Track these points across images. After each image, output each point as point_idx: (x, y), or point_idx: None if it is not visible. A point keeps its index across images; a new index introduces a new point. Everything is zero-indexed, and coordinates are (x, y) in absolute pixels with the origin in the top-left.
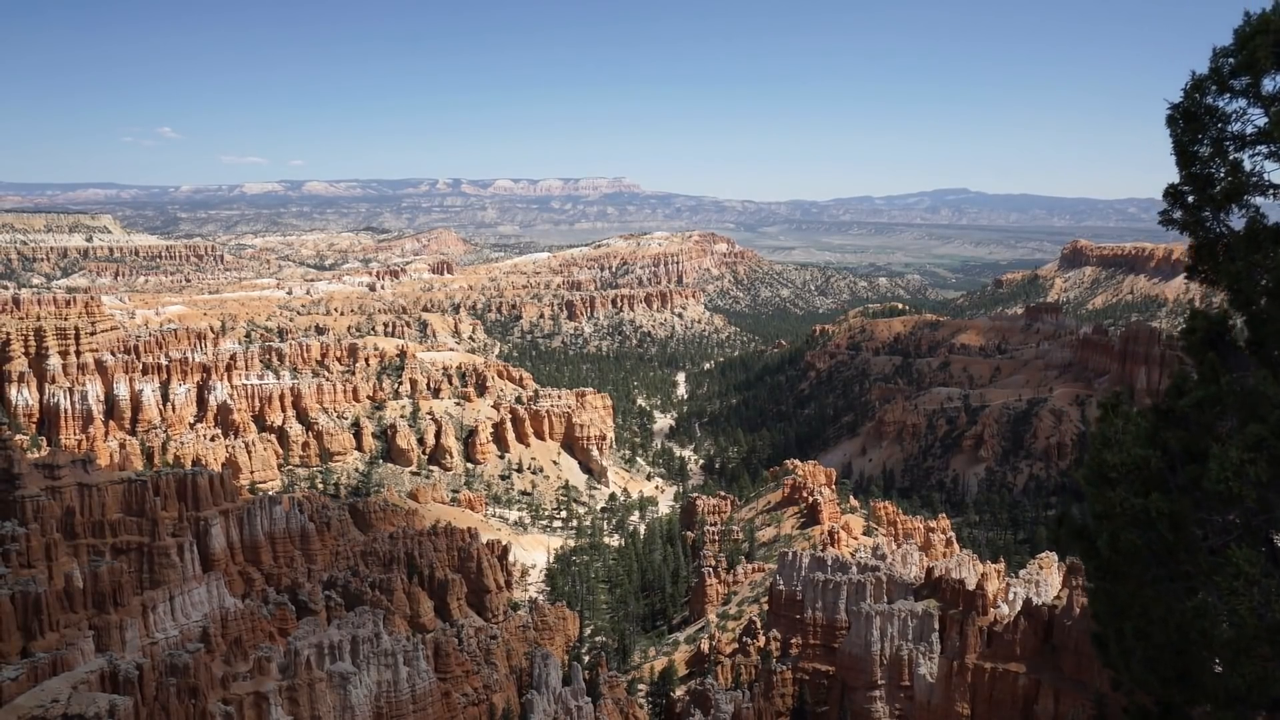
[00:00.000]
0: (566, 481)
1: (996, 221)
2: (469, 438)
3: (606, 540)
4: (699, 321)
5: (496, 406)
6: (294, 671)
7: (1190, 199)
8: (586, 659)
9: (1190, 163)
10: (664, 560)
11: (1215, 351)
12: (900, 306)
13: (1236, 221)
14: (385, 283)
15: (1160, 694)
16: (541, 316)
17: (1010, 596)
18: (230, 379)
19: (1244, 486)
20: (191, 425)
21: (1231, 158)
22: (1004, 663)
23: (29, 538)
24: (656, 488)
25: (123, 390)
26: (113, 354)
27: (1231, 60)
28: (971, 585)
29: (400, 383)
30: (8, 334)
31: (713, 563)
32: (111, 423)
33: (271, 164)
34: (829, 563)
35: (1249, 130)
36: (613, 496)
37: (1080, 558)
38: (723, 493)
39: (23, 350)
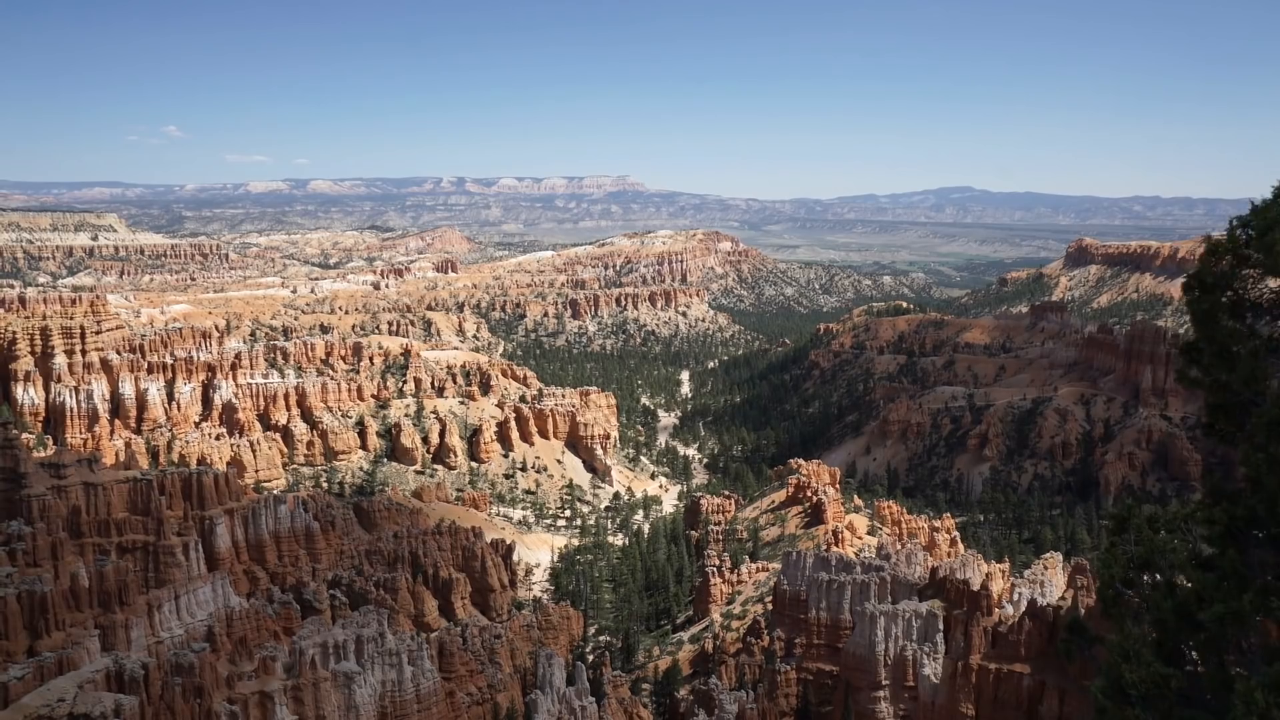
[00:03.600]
0: (570, 480)
1: (1001, 219)
2: (473, 437)
3: (610, 539)
4: (703, 320)
5: (501, 405)
6: (299, 671)
7: (1206, 360)
8: (590, 658)
9: (1207, 326)
10: (668, 559)
11: (1237, 547)
12: (904, 305)
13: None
14: (389, 281)
15: None
16: (545, 315)
17: (1015, 597)
18: (235, 378)
19: None
20: (196, 424)
21: (1249, 326)
22: (1009, 663)
23: (35, 537)
24: (660, 486)
25: (128, 389)
26: (118, 353)
27: (1250, 230)
28: (976, 585)
29: (405, 381)
30: (14, 333)
31: (717, 562)
32: (117, 421)
33: (276, 162)
34: (833, 562)
35: (1266, 298)
36: (617, 495)
37: None
38: (727, 492)
39: (29, 349)
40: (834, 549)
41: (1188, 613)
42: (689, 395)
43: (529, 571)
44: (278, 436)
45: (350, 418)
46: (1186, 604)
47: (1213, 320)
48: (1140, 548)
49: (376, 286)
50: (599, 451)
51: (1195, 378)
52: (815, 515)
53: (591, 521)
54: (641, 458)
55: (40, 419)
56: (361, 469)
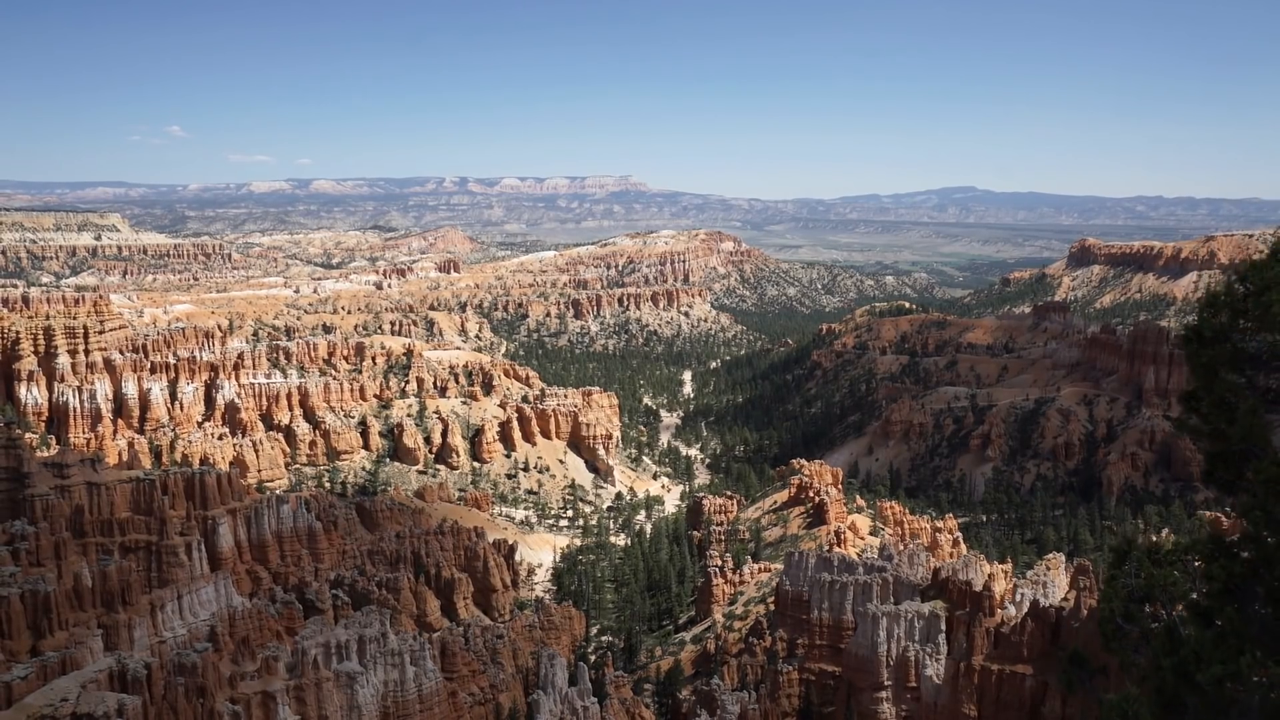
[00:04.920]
0: (573, 480)
1: (1004, 219)
2: (475, 436)
3: (613, 539)
4: (705, 320)
5: (503, 405)
6: (301, 671)
7: (1205, 410)
8: (593, 659)
9: (1205, 377)
10: (670, 560)
11: (1236, 604)
12: (907, 305)
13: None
14: (392, 281)
15: None
16: (548, 315)
17: (1017, 598)
18: (238, 378)
19: None
20: (199, 424)
21: (1248, 378)
22: (1011, 664)
23: (38, 536)
24: (663, 486)
25: (131, 389)
26: (121, 353)
27: (1248, 284)
28: (978, 586)
29: (407, 381)
30: (17, 332)
31: (719, 562)
32: (120, 421)
33: (279, 162)
34: (835, 563)
35: (1264, 350)
36: (619, 495)
37: None
38: (729, 492)
39: (32, 349)
40: (836, 549)
41: (1186, 672)
42: (691, 395)
43: (531, 571)
44: (280, 436)
45: (353, 417)
46: (1185, 664)
47: (1212, 373)
48: (1140, 580)
49: (379, 286)
50: (601, 452)
51: (1195, 426)
52: (817, 515)
53: (594, 521)
54: (644, 458)
55: (43, 419)
56: (364, 469)
